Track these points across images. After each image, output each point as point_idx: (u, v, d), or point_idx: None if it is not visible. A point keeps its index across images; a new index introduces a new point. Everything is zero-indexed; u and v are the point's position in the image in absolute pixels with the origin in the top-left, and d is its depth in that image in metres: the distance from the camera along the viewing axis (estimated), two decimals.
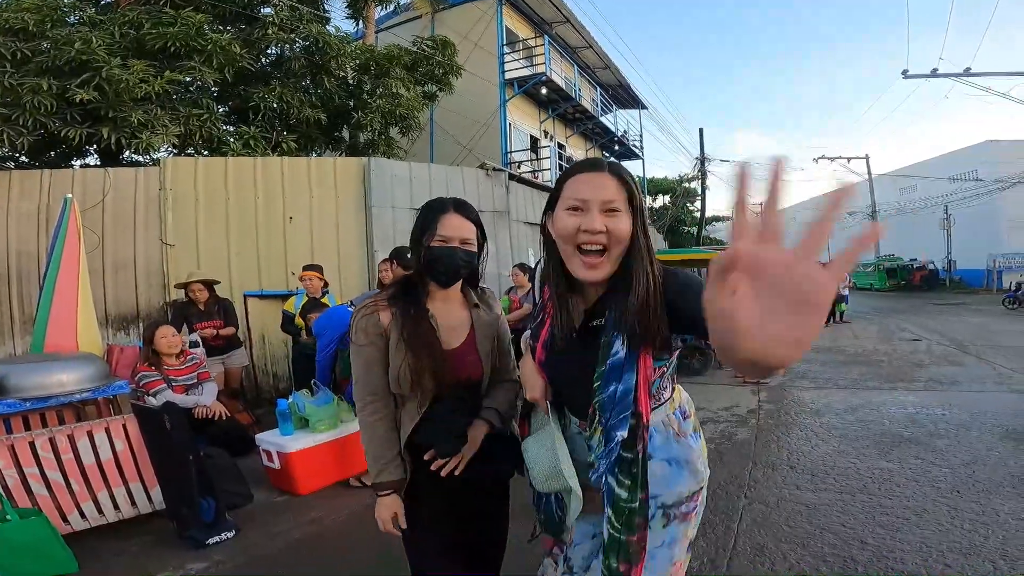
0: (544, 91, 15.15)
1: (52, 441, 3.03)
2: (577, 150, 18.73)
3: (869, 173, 29.41)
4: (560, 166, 14.91)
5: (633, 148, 21.36)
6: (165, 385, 4.09)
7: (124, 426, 3.24)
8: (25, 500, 2.87)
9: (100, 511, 3.11)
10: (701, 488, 1.24)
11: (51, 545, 2.66)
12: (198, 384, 4.34)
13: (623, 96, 21.03)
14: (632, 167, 23.62)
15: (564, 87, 15.43)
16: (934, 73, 13.67)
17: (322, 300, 5.18)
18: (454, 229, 1.59)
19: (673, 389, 1.30)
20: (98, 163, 7.77)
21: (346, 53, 8.83)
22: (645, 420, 1.14)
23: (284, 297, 5.97)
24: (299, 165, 7.01)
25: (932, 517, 3.05)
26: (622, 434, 1.14)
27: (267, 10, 8.71)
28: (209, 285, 5.27)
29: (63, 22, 7.07)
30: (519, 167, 14.14)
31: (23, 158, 7.72)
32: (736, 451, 4.30)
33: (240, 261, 6.50)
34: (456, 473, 1.58)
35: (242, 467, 3.77)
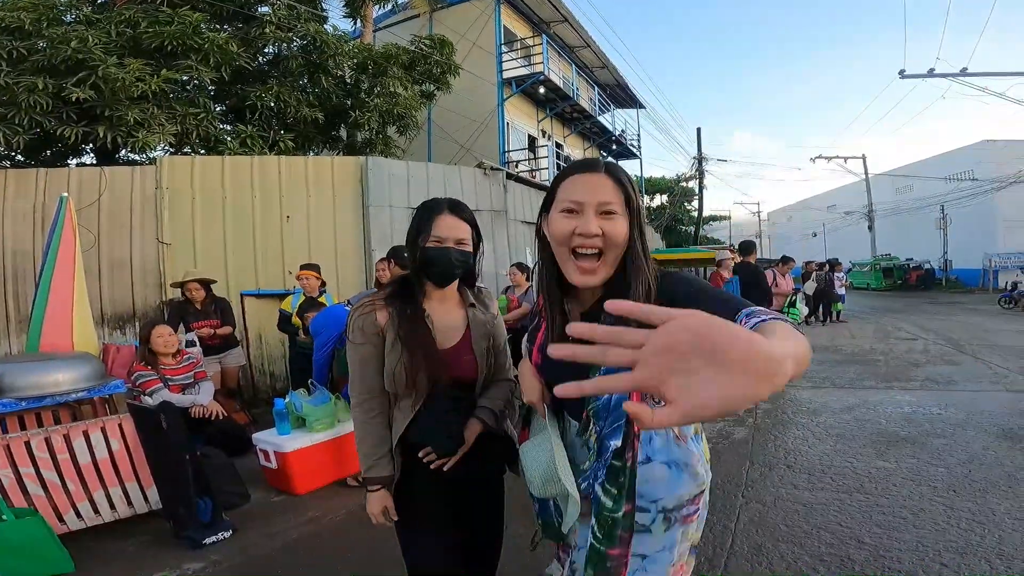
0: (542, 90, 15.16)
1: (48, 441, 3.01)
2: (575, 149, 18.74)
3: (866, 173, 29.45)
4: (558, 165, 14.91)
5: (631, 147, 21.40)
6: (161, 385, 4.08)
7: (120, 426, 3.23)
8: (21, 500, 2.86)
9: (96, 511, 3.09)
10: (702, 491, 1.21)
11: (47, 545, 2.65)
12: (195, 384, 4.33)
13: (621, 95, 21.05)
14: (630, 166, 23.65)
15: (562, 86, 15.44)
16: (931, 73, 13.69)
17: (319, 299, 5.17)
18: (449, 230, 1.61)
19: None
20: (94, 162, 7.75)
21: (344, 52, 8.82)
22: (636, 429, 1.12)
23: (281, 296, 5.96)
24: (296, 164, 7.00)
25: (929, 516, 3.06)
26: (616, 443, 1.12)
27: (264, 9, 8.70)
28: (206, 284, 5.26)
29: (59, 21, 7.04)
30: (517, 166, 14.15)
31: (19, 157, 7.70)
32: (733, 450, 4.31)
33: (237, 260, 6.49)
34: (444, 469, 1.60)
35: (239, 467, 3.76)
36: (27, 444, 2.95)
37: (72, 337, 3.85)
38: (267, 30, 8.19)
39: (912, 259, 26.85)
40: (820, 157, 29.51)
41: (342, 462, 3.83)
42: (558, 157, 15.81)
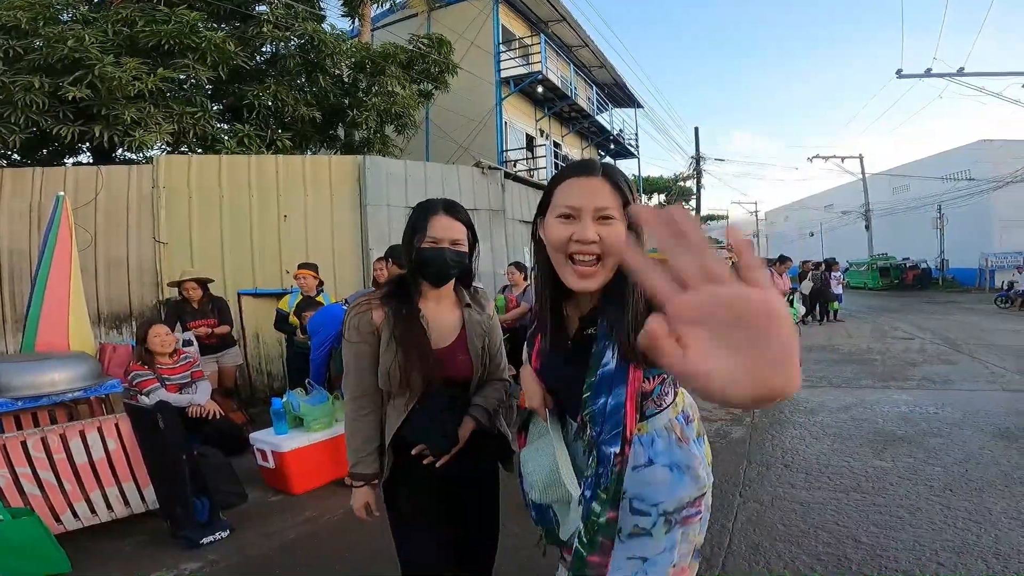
0: (540, 89, 15.16)
1: (44, 441, 3.01)
2: (573, 149, 18.75)
3: (863, 172, 29.52)
4: (556, 164, 14.91)
5: (629, 147, 21.40)
6: (158, 384, 4.07)
7: (117, 425, 3.22)
8: (17, 500, 2.85)
9: (93, 511, 3.09)
10: (703, 494, 1.20)
11: (44, 545, 2.65)
12: (192, 383, 4.32)
13: (619, 95, 21.05)
14: (627, 166, 23.68)
15: (560, 86, 15.44)
16: (928, 73, 13.71)
17: (317, 299, 5.17)
18: (444, 230, 1.62)
19: (675, 394, 1.26)
20: (91, 161, 7.73)
21: (342, 51, 8.81)
22: (628, 435, 1.09)
23: (278, 296, 5.95)
24: (294, 163, 6.98)
25: (925, 516, 3.07)
26: (615, 450, 1.09)
27: (262, 8, 8.68)
28: (203, 283, 5.24)
29: (56, 20, 7.02)
30: (515, 165, 14.14)
31: (15, 156, 7.68)
32: (731, 450, 4.31)
33: (234, 259, 6.48)
34: (437, 466, 1.62)
35: (236, 466, 3.76)
36: (23, 444, 2.94)
37: (68, 337, 3.84)
38: (265, 29, 8.18)
39: (909, 258, 26.89)
40: (817, 157, 29.56)
41: (340, 462, 3.82)
42: (556, 156, 15.80)
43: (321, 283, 5.42)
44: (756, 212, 49.48)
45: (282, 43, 8.70)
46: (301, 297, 5.20)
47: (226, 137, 7.79)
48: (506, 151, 14.38)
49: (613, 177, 1.12)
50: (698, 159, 24.29)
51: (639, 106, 22.25)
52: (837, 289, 13.94)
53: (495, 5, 14.27)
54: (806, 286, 13.02)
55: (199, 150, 7.62)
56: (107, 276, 6.10)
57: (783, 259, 9.14)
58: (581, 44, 17.23)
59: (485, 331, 1.76)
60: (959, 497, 3.28)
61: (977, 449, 4.09)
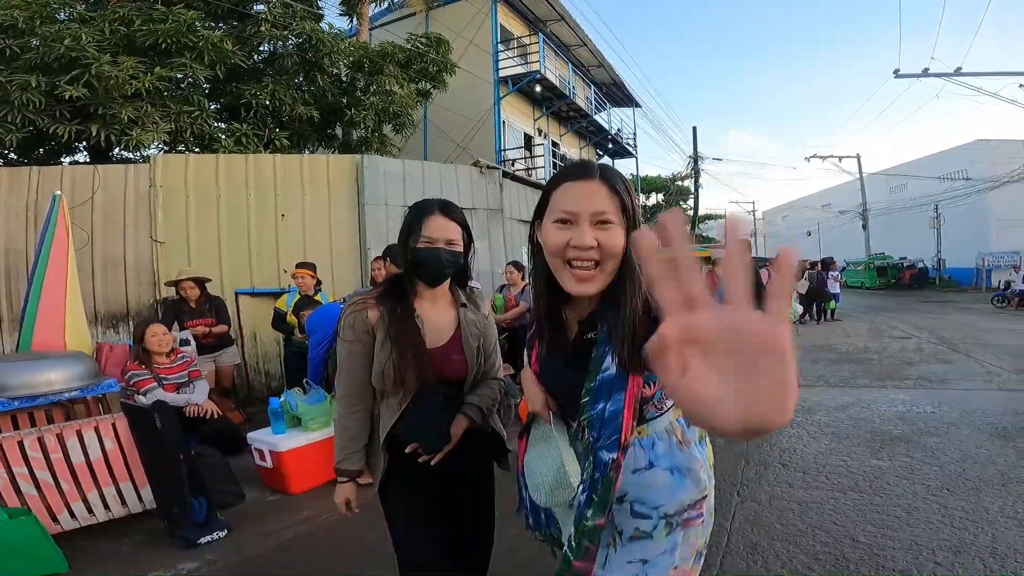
0: (538, 89, 15.16)
1: (41, 440, 3.00)
2: (571, 148, 18.75)
3: (860, 172, 29.58)
4: (554, 164, 14.91)
5: (627, 146, 21.42)
6: (156, 384, 4.06)
7: (114, 425, 3.21)
8: (14, 500, 2.85)
9: (90, 511, 3.08)
10: (704, 496, 1.18)
11: (41, 545, 2.64)
12: (189, 383, 4.31)
13: (617, 94, 21.05)
14: (625, 165, 23.73)
15: (558, 85, 15.44)
16: (925, 73, 13.75)
17: (315, 298, 5.16)
18: (439, 230, 1.64)
19: None
20: (87, 160, 7.71)
21: (340, 50, 8.79)
22: (623, 440, 1.09)
23: (276, 295, 5.94)
24: (292, 162, 6.97)
25: (922, 515, 3.07)
26: (612, 456, 1.09)
27: (260, 7, 8.66)
28: (200, 283, 5.23)
29: (53, 19, 7.00)
30: (513, 165, 14.14)
31: (12, 155, 7.65)
32: (728, 449, 4.31)
33: (231, 259, 6.46)
34: (432, 464, 1.63)
35: (234, 466, 3.75)
36: (20, 444, 2.94)
37: (64, 336, 3.83)
38: (262, 28, 8.16)
39: (906, 258, 26.97)
40: (815, 156, 29.63)
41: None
42: (554, 156, 15.80)
43: (319, 282, 5.41)
44: (754, 211, 49.53)
45: (280, 42, 8.68)
46: (299, 296, 5.19)
47: (223, 136, 7.78)
48: (504, 150, 14.37)
49: (611, 180, 1.10)
50: (696, 159, 24.29)
51: (637, 105, 22.26)
52: (835, 288, 13.97)
53: (493, 4, 14.26)
54: (802, 286, 13.04)
55: (196, 149, 7.61)
56: (104, 275, 6.09)
57: None
58: (579, 43, 17.23)
59: (480, 331, 1.77)
60: (956, 496, 3.29)
61: (974, 448, 4.10)
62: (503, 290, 6.16)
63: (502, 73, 14.41)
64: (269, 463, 3.73)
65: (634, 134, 22.09)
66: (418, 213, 1.68)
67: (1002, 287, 16.61)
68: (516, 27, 15.46)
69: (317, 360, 4.18)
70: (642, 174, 27.25)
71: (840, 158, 29.76)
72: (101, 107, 6.50)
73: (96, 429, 3.15)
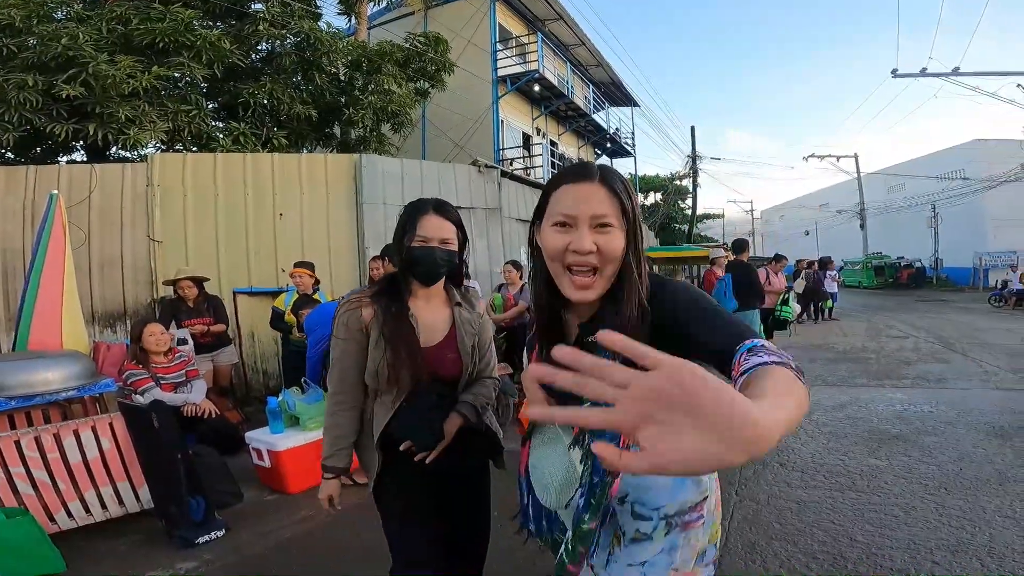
0: (537, 88, 15.16)
1: (38, 440, 2.99)
2: (569, 147, 18.75)
3: (858, 172, 29.65)
4: (552, 163, 14.90)
5: (625, 146, 21.44)
6: (153, 383, 4.05)
7: (111, 424, 3.21)
8: (11, 500, 2.84)
9: (87, 510, 3.08)
10: (705, 498, 1.17)
11: (38, 544, 2.64)
12: (187, 382, 4.30)
13: (615, 94, 21.06)
14: (624, 165, 23.74)
15: (557, 84, 15.45)
16: (923, 72, 13.77)
17: (313, 297, 5.16)
18: (434, 229, 1.65)
19: None
20: (85, 159, 7.69)
21: (338, 49, 8.78)
22: (621, 445, 1.09)
23: (274, 294, 5.93)
24: (289, 161, 6.96)
25: (920, 514, 3.08)
26: None
27: (258, 6, 8.65)
28: (198, 282, 5.23)
29: (50, 18, 6.99)
30: (511, 164, 14.13)
31: (9, 154, 7.63)
32: None
33: (229, 258, 6.45)
34: (427, 462, 1.64)
35: (232, 466, 3.74)
36: (17, 444, 2.93)
37: (61, 335, 3.82)
38: (260, 27, 8.14)
39: (903, 257, 27.05)
40: (813, 156, 29.70)
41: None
42: (552, 155, 15.81)
43: (317, 282, 5.41)
44: (752, 211, 49.60)
45: (278, 41, 8.66)
46: (298, 295, 5.19)
47: (221, 135, 7.76)
48: (502, 149, 14.37)
49: (610, 182, 1.08)
50: (694, 158, 24.31)
51: (635, 105, 22.27)
52: (832, 287, 13.99)
53: (492, 3, 14.25)
54: (799, 285, 13.07)
55: (194, 148, 7.59)
56: (101, 275, 6.07)
57: (779, 258, 9.16)
58: (578, 43, 17.22)
59: (475, 330, 1.78)
60: (954, 496, 3.30)
61: (971, 447, 4.11)
62: (501, 289, 6.16)
63: (500, 72, 14.41)
64: (267, 462, 3.72)
65: (632, 133, 22.11)
66: (413, 212, 1.68)
67: (999, 287, 16.67)
68: (515, 26, 15.45)
69: (315, 359, 4.17)
70: (640, 173, 27.26)
71: (838, 157, 29.86)
72: (98, 106, 6.49)
73: (93, 429, 3.15)
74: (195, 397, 4.23)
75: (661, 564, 1.14)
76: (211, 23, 8.28)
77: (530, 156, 15.67)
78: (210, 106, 8.38)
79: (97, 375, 3.67)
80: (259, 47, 8.93)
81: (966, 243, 24.13)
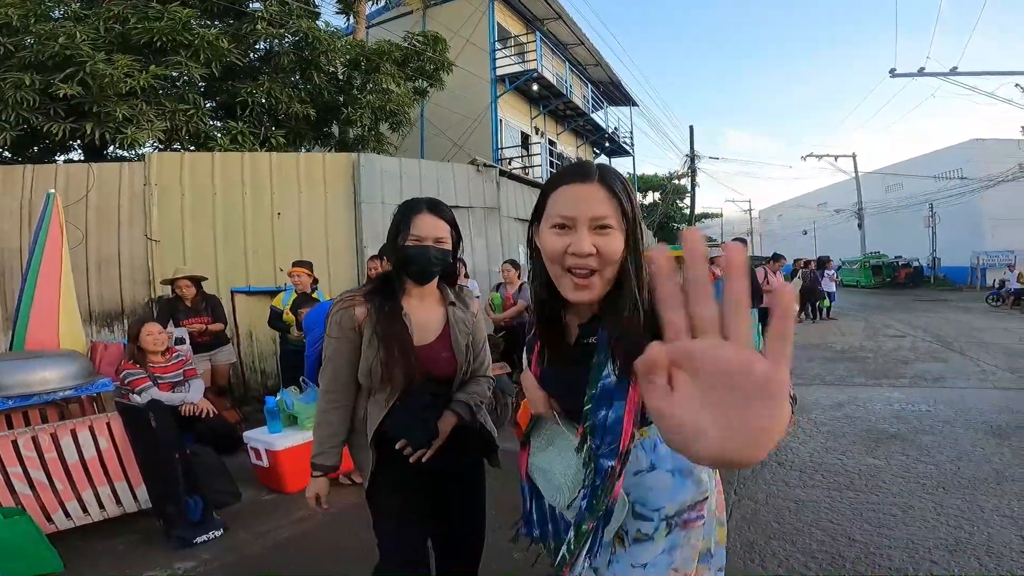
0: (535, 87, 15.15)
1: (35, 440, 2.99)
2: (568, 147, 18.75)
3: (856, 171, 29.66)
4: (551, 162, 14.90)
5: (624, 145, 21.44)
6: (151, 383, 4.04)
7: (108, 424, 3.20)
8: (8, 499, 2.83)
9: (85, 510, 3.07)
10: (705, 498, 1.17)
11: (36, 544, 2.63)
12: (184, 381, 4.30)
13: (614, 93, 21.06)
14: (622, 164, 23.72)
15: (555, 84, 15.44)
16: (921, 72, 13.79)
17: (312, 296, 5.15)
18: (428, 229, 1.65)
19: None
20: (82, 159, 7.68)
21: (336, 48, 8.77)
22: (621, 448, 1.06)
23: (272, 293, 5.92)
24: (288, 160, 6.95)
25: (918, 513, 3.08)
26: (611, 463, 1.07)
27: (256, 5, 8.63)
28: (196, 281, 5.22)
29: (47, 17, 6.97)
30: (510, 163, 14.13)
31: (6, 153, 7.62)
32: None
33: (227, 257, 6.44)
34: (423, 460, 1.64)
35: (230, 465, 3.74)
36: (14, 443, 2.92)
37: (58, 335, 3.81)
38: (259, 26, 8.12)
39: (901, 257, 27.07)
40: (811, 155, 29.73)
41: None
42: (551, 154, 15.81)
43: (316, 281, 5.40)
44: (750, 210, 49.64)
45: (276, 40, 8.65)
46: (296, 294, 5.18)
47: (219, 134, 7.75)
48: (501, 149, 14.35)
49: (610, 183, 1.06)
50: (692, 157, 24.33)
51: (634, 104, 22.27)
52: (830, 287, 14.00)
53: (490, 3, 14.24)
54: (796, 284, 13.07)
55: (191, 147, 7.58)
56: (98, 274, 6.06)
57: (777, 257, 9.18)
58: (577, 42, 17.22)
59: (469, 329, 1.79)
60: (952, 495, 3.30)
61: (969, 447, 4.11)
62: (500, 288, 6.15)
63: (499, 71, 14.40)
64: (265, 462, 3.71)
65: (631, 133, 22.11)
66: (407, 212, 1.69)
67: (996, 286, 16.68)
68: (513, 25, 15.45)
69: (313, 358, 4.15)
70: (639, 173, 27.27)
71: (836, 157, 29.90)
72: (96, 105, 6.47)
73: (91, 428, 3.14)
74: (193, 396, 4.22)
75: (662, 564, 1.14)
76: (209, 22, 8.26)
77: (528, 155, 15.66)
78: (208, 105, 8.36)
79: (94, 375, 3.66)
80: (257, 46, 8.91)
81: (964, 242, 24.15)
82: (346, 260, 6.98)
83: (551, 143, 17.04)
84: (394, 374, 1.61)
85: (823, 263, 14.01)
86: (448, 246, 1.70)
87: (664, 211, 28.96)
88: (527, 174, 12.82)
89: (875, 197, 29.82)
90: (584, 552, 1.11)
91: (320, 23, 9.23)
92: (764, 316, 7.50)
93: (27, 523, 2.67)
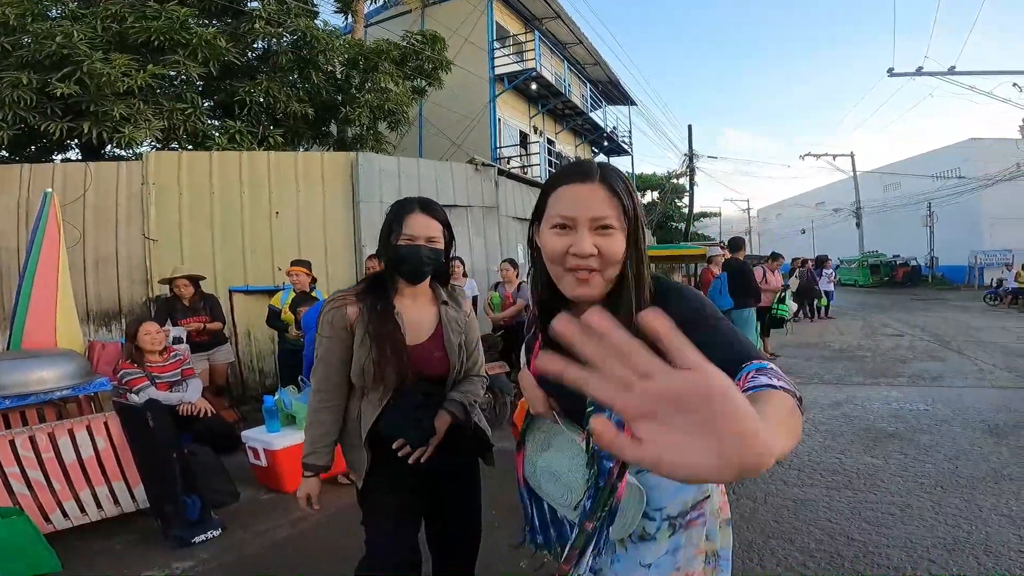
0: (534, 87, 15.14)
1: (32, 439, 2.98)
2: (566, 146, 18.75)
3: (854, 170, 29.68)
4: (550, 162, 14.90)
5: (622, 144, 21.44)
6: (148, 382, 4.03)
7: (106, 424, 3.19)
8: (6, 499, 2.83)
9: (83, 510, 3.06)
10: (707, 497, 1.17)
11: (33, 544, 2.62)
12: (182, 381, 4.28)
13: (613, 92, 21.06)
14: (621, 163, 23.71)
15: (554, 83, 15.44)
16: (919, 71, 13.80)
17: (311, 295, 5.15)
18: (420, 228, 1.65)
19: None
20: (79, 158, 7.66)
21: (334, 47, 8.75)
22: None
23: (270, 293, 5.91)
24: (286, 159, 6.94)
25: (916, 512, 3.09)
26: (612, 464, 1.07)
27: (254, 4, 8.61)
28: (195, 281, 5.21)
29: (44, 16, 6.95)
30: (508, 162, 14.12)
31: (3, 153, 7.59)
32: None
33: (225, 256, 6.43)
34: (421, 461, 1.64)
35: (228, 465, 3.73)
36: (12, 443, 2.91)
37: (56, 334, 3.79)
38: (257, 25, 8.10)
39: (899, 256, 27.12)
40: (809, 154, 29.75)
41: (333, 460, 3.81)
42: (550, 153, 15.81)
43: (314, 280, 5.39)
44: (748, 209, 49.68)
45: (274, 39, 8.63)
46: (295, 293, 5.18)
47: (217, 134, 7.74)
48: (500, 148, 14.35)
49: (611, 182, 1.04)
50: (691, 156, 24.31)
51: (633, 103, 22.28)
52: (828, 286, 14.02)
53: (489, 2, 14.23)
54: (793, 283, 13.08)
55: (189, 147, 7.56)
56: (96, 273, 6.04)
57: (775, 256, 9.19)
58: (575, 41, 17.21)
59: (462, 328, 1.79)
60: (950, 494, 3.31)
61: (967, 446, 4.12)
62: (498, 287, 6.16)
63: (498, 71, 14.39)
64: (263, 461, 3.71)
65: (629, 132, 22.11)
66: (399, 211, 1.69)
67: (994, 285, 16.70)
68: (512, 24, 15.44)
69: (312, 357, 4.16)
70: (637, 172, 27.28)
71: (834, 156, 29.93)
72: (93, 104, 6.45)
73: (88, 428, 3.13)
74: (191, 396, 4.21)
75: (666, 565, 1.13)
76: (207, 21, 8.25)
77: (527, 154, 15.66)
78: (206, 104, 8.34)
79: (92, 374, 3.65)
80: (255, 45, 8.89)
81: (961, 242, 24.20)
82: (344, 259, 6.97)
83: (550, 142, 17.05)
84: (386, 373, 1.61)
85: (821, 262, 14.02)
86: (440, 245, 1.70)
87: (663, 210, 28.96)
88: (526, 173, 12.82)
89: (873, 196, 29.87)
90: (589, 550, 1.11)
91: (318, 22, 9.23)
92: (761, 315, 7.52)
93: (25, 523, 2.66)
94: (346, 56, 9.10)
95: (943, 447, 4.11)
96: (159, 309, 5.24)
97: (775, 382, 0.75)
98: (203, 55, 7.21)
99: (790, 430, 0.64)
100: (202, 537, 3.01)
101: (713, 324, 0.99)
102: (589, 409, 1.10)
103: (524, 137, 16.13)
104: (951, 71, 13.43)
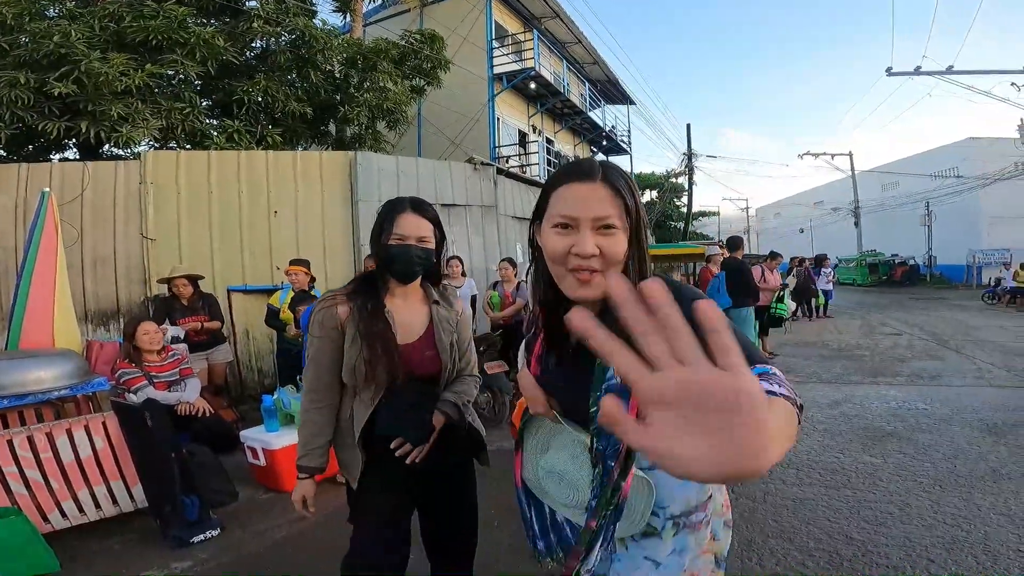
0: (533, 86, 15.13)
1: (31, 439, 2.97)
2: (565, 145, 18.74)
3: (852, 170, 29.71)
4: (548, 161, 14.89)
5: (621, 143, 21.44)
6: (146, 382, 4.02)
7: (104, 424, 3.19)
8: (4, 499, 2.82)
9: (81, 510, 3.06)
10: (711, 497, 1.16)
11: (31, 544, 2.62)
12: (180, 380, 4.28)
13: (612, 91, 21.06)
14: (620, 162, 23.70)
15: (553, 82, 15.43)
16: (918, 71, 13.81)
17: (310, 294, 5.14)
18: (411, 228, 1.66)
19: None
20: (77, 157, 7.64)
21: (333, 46, 8.74)
22: (622, 448, 1.05)
23: (269, 292, 5.90)
24: (284, 159, 6.92)
25: (915, 511, 3.09)
26: (612, 464, 1.06)
27: (252, 3, 8.59)
28: (193, 280, 5.21)
29: (41, 15, 6.94)
30: (507, 162, 14.12)
31: (1, 152, 7.57)
32: None
33: (223, 256, 6.42)
34: (417, 461, 1.65)
35: (227, 464, 3.72)
36: (9, 443, 2.91)
37: (53, 334, 3.78)
38: (255, 24, 8.08)
39: (897, 255, 27.14)
40: (808, 154, 29.76)
41: (331, 459, 3.80)
42: (548, 152, 15.80)
43: (313, 279, 5.39)
44: (747, 208, 49.73)
45: (273, 38, 8.61)
46: (294, 292, 5.17)
47: (215, 133, 7.72)
48: (498, 147, 14.35)
49: (613, 181, 1.03)
50: (690, 156, 24.31)
51: (632, 103, 22.28)
52: (827, 286, 14.03)
53: (488, 1, 14.22)
54: (791, 282, 13.09)
55: (187, 146, 7.55)
56: (94, 273, 6.03)
57: (774, 255, 9.19)
58: (574, 41, 17.21)
59: (453, 328, 1.79)
60: (949, 493, 3.31)
61: (966, 445, 4.13)
62: (497, 287, 6.15)
63: (496, 70, 14.38)
64: (262, 461, 3.71)
65: (628, 131, 22.12)
66: (390, 211, 1.69)
67: (992, 284, 16.73)
68: (511, 24, 15.43)
69: None
70: (636, 171, 27.30)
71: (833, 155, 29.94)
72: (91, 104, 6.44)
73: (86, 428, 3.13)
74: (189, 395, 4.20)
75: (673, 566, 1.13)
76: (205, 20, 8.23)
77: (526, 153, 15.65)
78: (204, 103, 8.31)
79: (90, 374, 3.64)
80: (253, 44, 8.87)
81: (960, 241, 24.23)
82: (343, 258, 6.96)
83: (548, 141, 17.04)
84: (377, 372, 1.61)
85: (820, 261, 14.03)
86: (431, 245, 1.70)
87: (662, 209, 28.97)
88: (524, 172, 12.81)
89: (872, 195, 29.90)
90: (598, 545, 1.11)
91: (317, 21, 9.21)
92: (759, 314, 7.52)
93: (23, 523, 2.66)
94: (345, 55, 9.09)
95: (942, 446, 4.11)
96: (157, 308, 5.23)
97: (776, 389, 0.75)
98: (201, 54, 7.19)
99: (788, 438, 0.64)
100: (201, 537, 3.01)
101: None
102: (593, 409, 1.09)
103: (523, 136, 16.12)
104: (949, 70, 13.44)
